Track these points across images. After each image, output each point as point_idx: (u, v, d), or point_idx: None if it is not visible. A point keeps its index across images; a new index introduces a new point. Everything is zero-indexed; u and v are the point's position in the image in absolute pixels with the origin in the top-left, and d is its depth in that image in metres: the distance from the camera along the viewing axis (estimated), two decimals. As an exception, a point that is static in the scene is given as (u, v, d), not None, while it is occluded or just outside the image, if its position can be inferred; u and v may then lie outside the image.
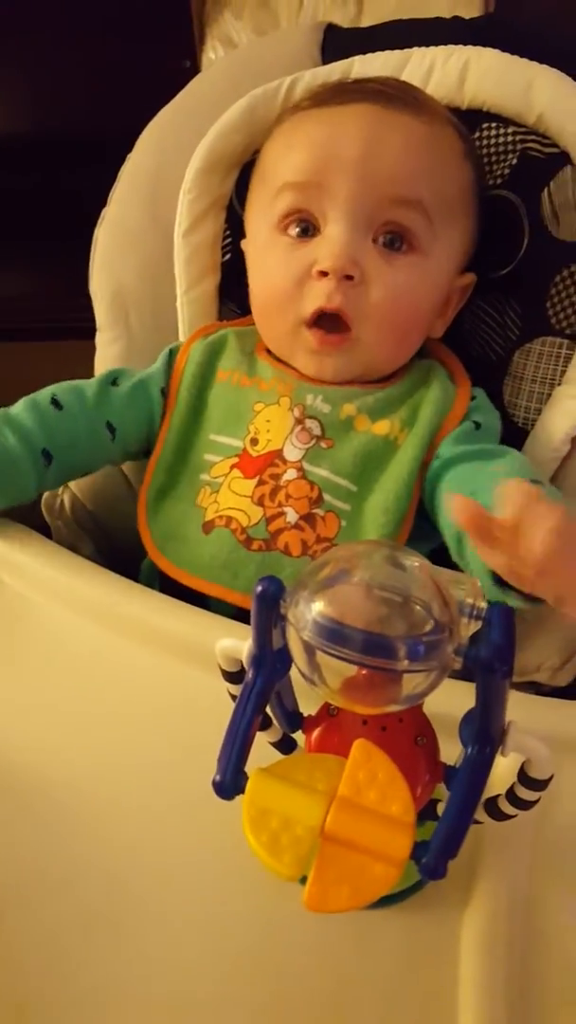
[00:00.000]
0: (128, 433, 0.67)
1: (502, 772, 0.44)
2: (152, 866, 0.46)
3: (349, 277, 0.59)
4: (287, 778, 0.35)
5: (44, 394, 0.65)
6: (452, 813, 0.33)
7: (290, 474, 0.62)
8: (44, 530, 0.73)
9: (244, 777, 0.36)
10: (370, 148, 0.60)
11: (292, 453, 0.62)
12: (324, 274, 0.60)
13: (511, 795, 0.38)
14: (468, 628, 0.34)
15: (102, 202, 0.78)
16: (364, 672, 0.32)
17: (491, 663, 0.31)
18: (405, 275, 0.61)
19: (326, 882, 0.33)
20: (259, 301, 0.67)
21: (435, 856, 0.33)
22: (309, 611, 0.32)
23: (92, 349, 0.78)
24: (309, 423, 0.63)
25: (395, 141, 0.60)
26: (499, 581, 0.45)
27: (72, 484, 0.75)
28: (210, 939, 0.44)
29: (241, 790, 0.36)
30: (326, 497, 0.61)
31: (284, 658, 0.37)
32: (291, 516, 0.61)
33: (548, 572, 0.37)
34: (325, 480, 0.61)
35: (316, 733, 0.40)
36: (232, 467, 0.64)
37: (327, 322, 0.62)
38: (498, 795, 0.39)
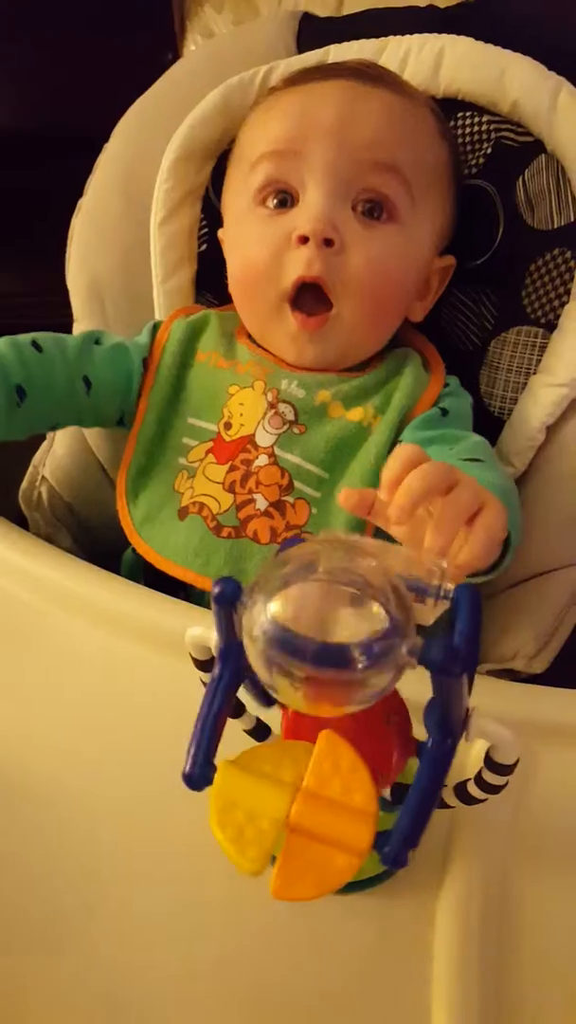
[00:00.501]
0: (103, 392, 0.65)
1: (474, 755, 0.45)
2: (135, 850, 0.46)
3: (329, 242, 0.59)
4: (253, 769, 0.35)
5: (25, 337, 0.63)
6: (413, 804, 0.33)
7: (261, 460, 0.62)
8: (21, 523, 0.72)
9: (213, 768, 0.36)
10: (347, 115, 0.60)
11: (264, 438, 0.62)
12: (303, 240, 0.59)
13: (479, 780, 0.38)
14: (436, 608, 0.34)
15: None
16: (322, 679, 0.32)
17: (445, 665, 0.31)
18: (384, 243, 0.61)
19: (291, 872, 0.33)
20: (238, 278, 0.66)
21: (396, 846, 0.33)
22: (262, 620, 0.31)
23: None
24: (283, 408, 0.63)
25: (372, 109, 0.61)
26: None
27: (49, 476, 0.75)
28: (190, 927, 0.44)
29: (210, 781, 0.36)
30: (296, 484, 0.61)
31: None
32: (260, 503, 0.61)
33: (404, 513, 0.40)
34: (296, 467, 0.61)
35: (292, 710, 0.40)
36: (207, 452, 0.64)
37: (308, 301, 0.61)
38: (467, 779, 0.39)
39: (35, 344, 0.63)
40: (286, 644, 0.31)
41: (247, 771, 0.35)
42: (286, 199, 0.62)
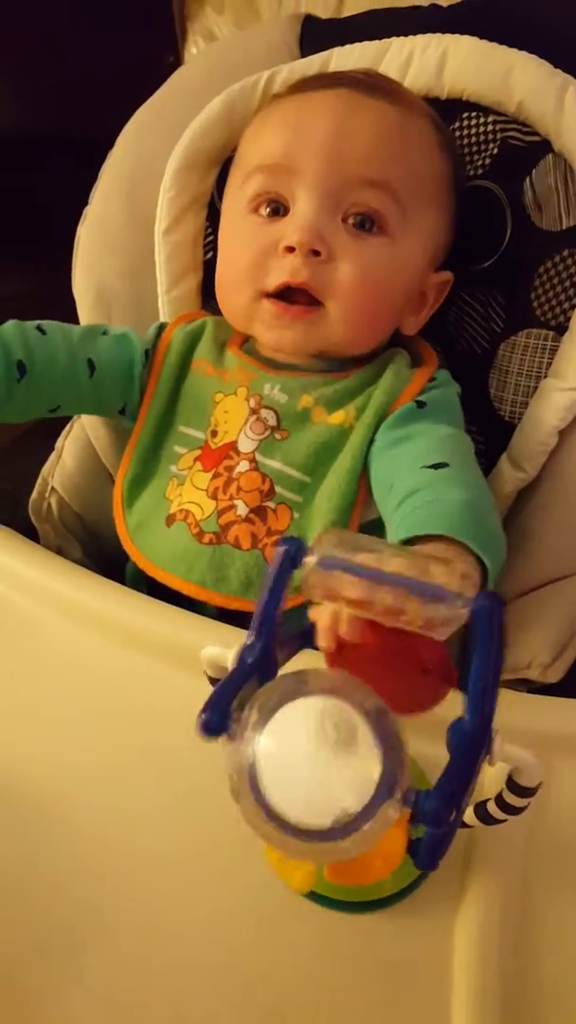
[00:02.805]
0: (106, 376, 0.65)
1: (492, 776, 0.44)
2: (144, 868, 0.46)
3: (316, 253, 0.59)
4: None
5: (30, 322, 0.64)
6: (429, 845, 0.34)
7: (242, 466, 0.61)
8: (31, 534, 0.72)
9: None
10: (341, 129, 0.60)
11: (245, 444, 0.62)
12: (290, 250, 0.59)
13: (500, 801, 0.38)
14: (459, 613, 0.33)
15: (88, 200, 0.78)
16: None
17: (438, 819, 0.30)
18: (374, 254, 0.60)
19: (338, 871, 0.37)
20: (221, 276, 0.66)
21: (426, 856, 0.33)
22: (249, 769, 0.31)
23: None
24: (265, 413, 0.62)
25: (367, 124, 0.60)
26: None
27: (59, 487, 0.74)
28: (206, 941, 0.44)
29: (225, 729, 0.35)
30: (278, 489, 0.61)
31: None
32: (241, 509, 0.60)
33: None
34: (277, 472, 0.61)
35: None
36: (195, 460, 0.64)
37: (292, 297, 0.60)
38: (487, 800, 0.38)
39: (39, 328, 0.63)
40: (269, 814, 0.30)
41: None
42: (279, 208, 0.62)
